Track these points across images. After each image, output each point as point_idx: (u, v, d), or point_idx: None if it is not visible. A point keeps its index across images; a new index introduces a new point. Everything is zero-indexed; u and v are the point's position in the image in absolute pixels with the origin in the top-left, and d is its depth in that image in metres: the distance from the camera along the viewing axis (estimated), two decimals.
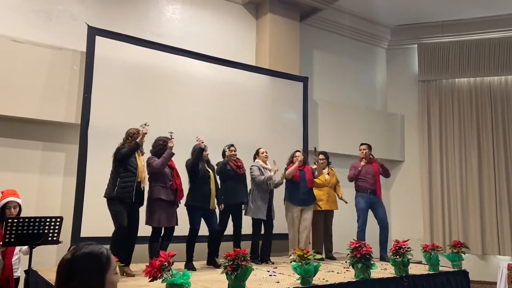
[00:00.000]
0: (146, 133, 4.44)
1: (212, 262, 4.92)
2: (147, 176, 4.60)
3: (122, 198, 4.32)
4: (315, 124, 7.54)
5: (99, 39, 5.43)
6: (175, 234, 4.72)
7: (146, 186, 4.60)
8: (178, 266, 4.51)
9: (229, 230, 5.28)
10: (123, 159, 4.38)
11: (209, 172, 4.97)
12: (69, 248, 4.81)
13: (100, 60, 5.40)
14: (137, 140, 4.43)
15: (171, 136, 4.64)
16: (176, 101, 5.93)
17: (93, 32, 5.40)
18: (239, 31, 7.15)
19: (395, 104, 8.94)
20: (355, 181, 6.04)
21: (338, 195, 6.22)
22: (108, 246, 4.13)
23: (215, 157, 5.33)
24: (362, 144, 6.23)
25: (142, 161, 4.56)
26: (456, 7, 8.01)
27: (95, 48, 5.38)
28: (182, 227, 4.78)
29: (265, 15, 7.16)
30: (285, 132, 6.86)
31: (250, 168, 5.49)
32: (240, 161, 5.35)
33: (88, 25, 5.40)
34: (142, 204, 4.58)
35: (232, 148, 5.32)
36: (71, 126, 5.38)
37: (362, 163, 5.98)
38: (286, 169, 5.72)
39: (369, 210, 5.99)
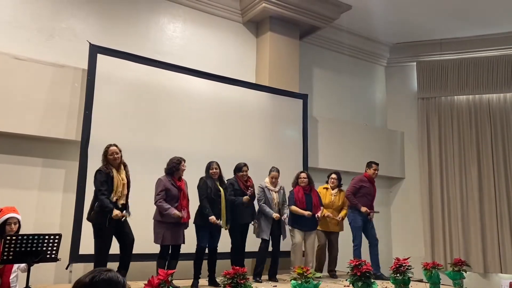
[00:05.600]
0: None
1: (212, 282, 4.86)
2: (126, 193, 4.48)
3: (97, 224, 4.28)
4: (315, 141, 7.55)
5: (100, 57, 5.48)
6: (183, 251, 4.72)
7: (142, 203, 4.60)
8: (188, 283, 4.58)
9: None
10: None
11: (220, 191, 4.93)
12: (67, 266, 4.81)
13: (101, 77, 5.44)
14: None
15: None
16: (176, 119, 5.95)
17: (94, 50, 5.46)
18: (240, 49, 7.22)
19: (395, 121, 8.97)
20: (354, 198, 6.02)
21: (337, 216, 6.07)
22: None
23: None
24: (376, 164, 6.23)
25: (123, 178, 4.44)
26: (454, 25, 8.10)
27: (97, 65, 5.43)
28: (189, 245, 4.77)
29: (265, 34, 7.24)
30: (285, 149, 6.87)
31: (258, 187, 5.51)
32: (250, 180, 5.32)
33: (90, 43, 5.46)
34: (127, 211, 4.45)
35: (244, 168, 5.28)
36: (72, 143, 5.39)
37: (371, 215, 6.01)
38: (291, 191, 5.69)
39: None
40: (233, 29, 7.20)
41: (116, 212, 4.24)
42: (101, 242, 4.29)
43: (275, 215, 5.32)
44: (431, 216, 8.27)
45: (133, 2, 6.31)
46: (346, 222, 6.16)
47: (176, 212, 4.52)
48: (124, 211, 4.36)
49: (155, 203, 4.62)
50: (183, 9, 6.73)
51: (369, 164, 6.27)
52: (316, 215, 5.59)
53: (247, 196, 5.14)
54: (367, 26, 8.23)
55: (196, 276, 4.73)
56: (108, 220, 4.24)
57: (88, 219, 4.40)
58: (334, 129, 7.92)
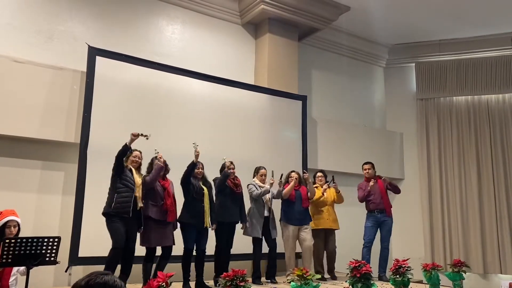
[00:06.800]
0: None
1: (200, 285, 4.79)
2: (141, 197, 4.55)
3: (119, 213, 4.30)
4: (314, 142, 7.56)
5: (99, 59, 5.48)
6: (180, 253, 4.71)
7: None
8: (176, 286, 4.50)
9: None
10: (118, 162, 4.40)
11: (203, 189, 4.90)
12: (67, 269, 4.81)
13: (100, 79, 5.44)
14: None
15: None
16: (175, 120, 5.95)
17: (93, 52, 5.46)
18: (238, 50, 7.22)
19: (394, 122, 8.97)
20: (361, 195, 6.10)
21: (333, 213, 6.10)
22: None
23: (214, 175, 5.29)
24: (365, 164, 6.28)
25: (140, 179, 4.58)
26: (452, 26, 8.11)
27: (95, 68, 5.43)
28: (178, 247, 4.75)
29: (264, 35, 7.24)
30: (284, 151, 6.87)
31: (248, 186, 5.47)
32: (238, 179, 5.31)
33: (88, 45, 5.46)
34: (141, 225, 4.55)
35: (231, 166, 5.21)
36: (71, 145, 5.39)
37: (371, 183, 6.00)
38: (282, 189, 5.67)
39: (378, 228, 6.10)
40: (232, 31, 7.21)
41: (132, 134, 4.41)
42: (117, 232, 4.28)
43: (271, 180, 5.43)
44: (431, 217, 8.27)
45: (131, 4, 6.32)
46: (343, 220, 6.18)
47: (158, 159, 4.61)
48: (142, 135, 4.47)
49: (146, 181, 4.56)
50: (181, 11, 6.73)
51: (362, 167, 6.33)
52: (303, 172, 5.82)
53: (228, 163, 5.09)
54: (365, 28, 8.24)
55: (186, 279, 4.69)
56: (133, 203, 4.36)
57: (106, 212, 4.35)
58: (333, 130, 7.92)
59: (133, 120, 5.60)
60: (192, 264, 4.82)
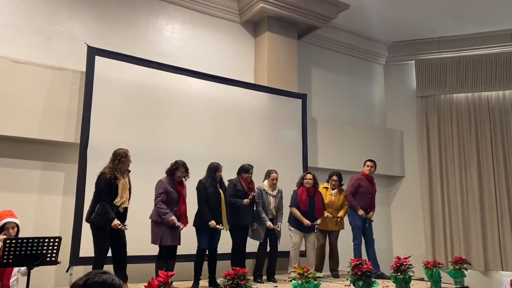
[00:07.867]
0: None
1: (213, 283, 4.84)
2: (128, 198, 4.51)
3: (97, 225, 4.31)
4: (314, 141, 7.55)
5: (98, 59, 5.47)
6: (182, 253, 4.74)
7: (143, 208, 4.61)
8: (181, 285, 4.53)
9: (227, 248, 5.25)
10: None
11: (220, 193, 4.92)
12: (68, 269, 4.81)
13: (100, 79, 5.44)
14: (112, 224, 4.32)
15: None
16: (175, 120, 5.95)
17: (92, 52, 5.45)
18: (238, 49, 7.21)
19: (394, 120, 8.96)
20: (353, 199, 6.02)
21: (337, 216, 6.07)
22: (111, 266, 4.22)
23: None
24: (369, 161, 6.24)
25: (126, 183, 4.49)
26: (452, 23, 8.10)
27: (95, 68, 5.43)
28: (189, 246, 4.77)
29: (263, 34, 7.23)
30: (284, 149, 6.87)
31: (256, 189, 5.47)
32: (252, 184, 5.35)
33: (88, 45, 5.45)
34: (124, 220, 4.47)
35: (251, 171, 5.32)
36: (71, 145, 5.39)
37: (369, 215, 5.99)
38: (295, 191, 5.67)
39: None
40: (231, 30, 7.20)
41: (115, 222, 4.28)
42: (101, 243, 4.30)
43: (268, 223, 5.35)
44: (432, 214, 8.26)
45: (130, 4, 6.31)
46: (346, 221, 6.15)
47: (174, 219, 4.54)
48: (122, 226, 4.35)
49: (155, 205, 4.62)
50: (181, 11, 6.72)
51: (364, 163, 6.28)
52: (315, 222, 5.55)
53: (247, 200, 5.14)
54: (365, 25, 8.23)
55: (197, 278, 4.74)
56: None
57: (88, 220, 4.40)
58: (333, 128, 7.91)
59: (132, 120, 5.60)
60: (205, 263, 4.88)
